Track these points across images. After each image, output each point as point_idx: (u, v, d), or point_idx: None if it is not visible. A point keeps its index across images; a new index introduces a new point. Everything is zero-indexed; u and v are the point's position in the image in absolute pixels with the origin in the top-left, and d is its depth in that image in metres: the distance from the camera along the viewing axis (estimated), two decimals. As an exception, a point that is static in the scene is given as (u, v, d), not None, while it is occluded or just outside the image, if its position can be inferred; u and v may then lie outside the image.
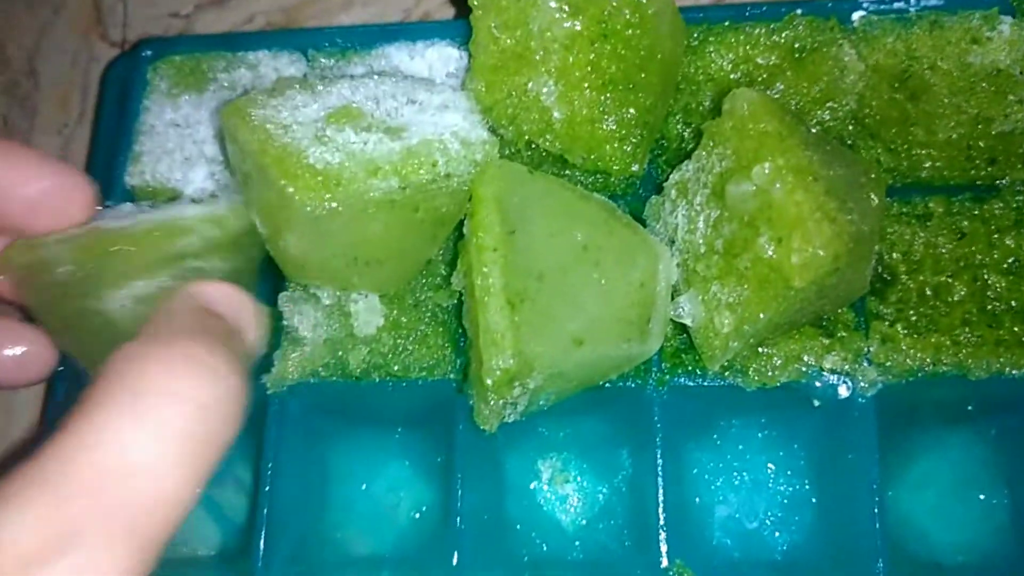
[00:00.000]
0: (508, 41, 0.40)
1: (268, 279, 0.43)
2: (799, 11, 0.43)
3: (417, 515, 0.43)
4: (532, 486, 0.43)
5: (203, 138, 0.45)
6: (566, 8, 0.38)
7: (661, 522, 0.38)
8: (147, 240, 0.34)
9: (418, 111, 0.39)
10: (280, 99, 0.38)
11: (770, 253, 0.34)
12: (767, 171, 0.34)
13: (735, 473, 0.41)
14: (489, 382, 0.33)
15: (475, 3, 0.39)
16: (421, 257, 0.40)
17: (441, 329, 0.41)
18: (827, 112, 0.42)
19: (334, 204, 0.34)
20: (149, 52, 0.48)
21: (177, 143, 0.45)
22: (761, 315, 0.35)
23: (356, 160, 0.35)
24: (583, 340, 0.35)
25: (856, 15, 0.43)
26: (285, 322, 0.41)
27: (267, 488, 0.40)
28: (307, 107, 0.38)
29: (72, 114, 0.58)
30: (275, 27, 0.57)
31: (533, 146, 0.42)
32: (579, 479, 0.42)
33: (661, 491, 0.38)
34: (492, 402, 0.35)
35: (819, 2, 0.43)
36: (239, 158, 0.37)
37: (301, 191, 0.34)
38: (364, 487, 0.44)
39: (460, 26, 0.45)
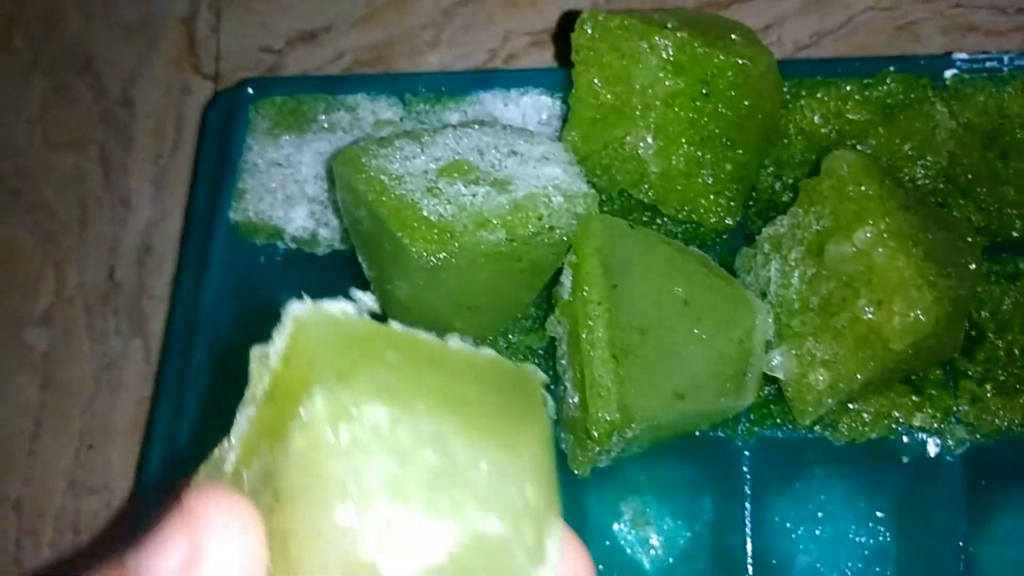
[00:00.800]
0: (608, 96, 0.41)
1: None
2: (891, 68, 0.44)
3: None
4: (614, 527, 0.44)
5: (304, 177, 0.47)
6: (669, 67, 0.39)
7: (750, 572, 0.39)
8: None
9: (520, 163, 0.40)
10: (389, 148, 0.40)
11: (869, 315, 0.35)
12: (868, 235, 0.35)
13: (817, 523, 0.42)
14: (596, 433, 0.34)
15: (578, 58, 0.41)
16: (519, 303, 0.42)
17: (532, 371, 0.43)
18: (919, 169, 0.42)
19: (447, 255, 0.36)
20: (251, 91, 0.50)
21: (279, 182, 0.47)
22: (858, 375, 0.35)
23: (467, 213, 0.37)
24: (684, 394, 0.36)
25: (948, 73, 0.44)
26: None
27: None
28: (416, 158, 0.39)
29: (167, 144, 0.60)
30: (364, 64, 0.59)
31: (625, 195, 0.43)
32: (660, 523, 0.43)
33: (749, 541, 0.39)
34: (591, 450, 0.36)
35: (912, 59, 0.44)
36: (353, 205, 0.39)
37: (417, 242, 0.35)
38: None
39: (554, 75, 0.46)
